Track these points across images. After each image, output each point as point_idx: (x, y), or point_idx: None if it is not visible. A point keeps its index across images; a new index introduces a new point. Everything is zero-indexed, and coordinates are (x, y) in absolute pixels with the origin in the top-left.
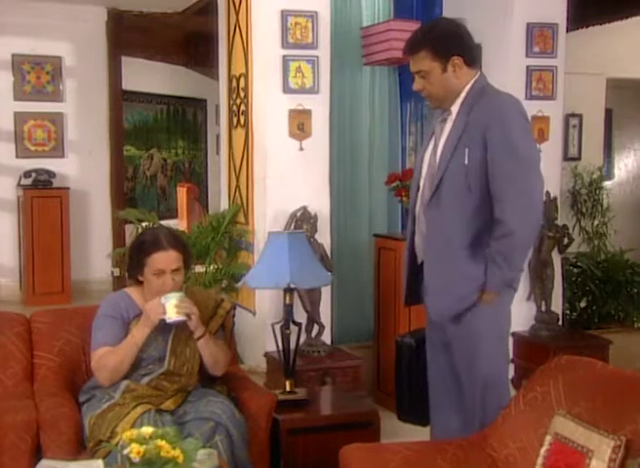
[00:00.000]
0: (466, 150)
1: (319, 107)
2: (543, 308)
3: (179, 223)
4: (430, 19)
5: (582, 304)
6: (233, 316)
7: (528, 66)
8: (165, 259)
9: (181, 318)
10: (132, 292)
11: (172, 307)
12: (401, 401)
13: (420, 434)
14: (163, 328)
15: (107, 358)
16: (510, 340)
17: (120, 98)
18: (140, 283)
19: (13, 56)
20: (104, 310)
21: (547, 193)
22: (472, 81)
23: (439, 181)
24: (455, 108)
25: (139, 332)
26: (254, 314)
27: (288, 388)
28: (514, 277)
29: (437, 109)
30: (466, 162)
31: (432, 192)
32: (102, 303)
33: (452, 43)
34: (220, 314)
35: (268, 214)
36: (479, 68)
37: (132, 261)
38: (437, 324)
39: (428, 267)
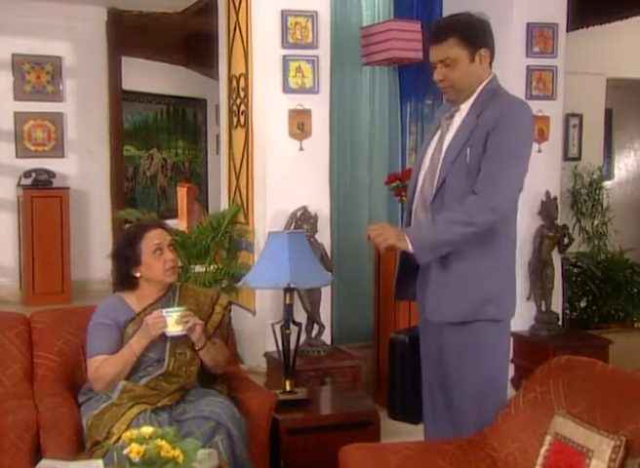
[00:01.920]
0: (468, 150)
1: (319, 107)
2: (543, 308)
3: (179, 223)
4: (431, 19)
5: (582, 304)
6: (229, 311)
7: (528, 66)
8: (159, 235)
9: (182, 333)
10: (125, 295)
11: (173, 322)
12: (394, 398)
13: (420, 434)
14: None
15: (105, 369)
16: (510, 340)
17: (120, 98)
18: (132, 287)
19: (13, 55)
20: (98, 318)
21: (547, 193)
22: (487, 81)
23: (442, 182)
24: (465, 106)
25: (137, 344)
26: (254, 314)
27: (288, 388)
28: (430, 245)
29: (451, 102)
30: (468, 161)
31: (435, 193)
32: (96, 310)
33: (481, 34)
34: (217, 311)
35: (268, 214)
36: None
37: (125, 256)
38: (431, 325)
39: (432, 269)
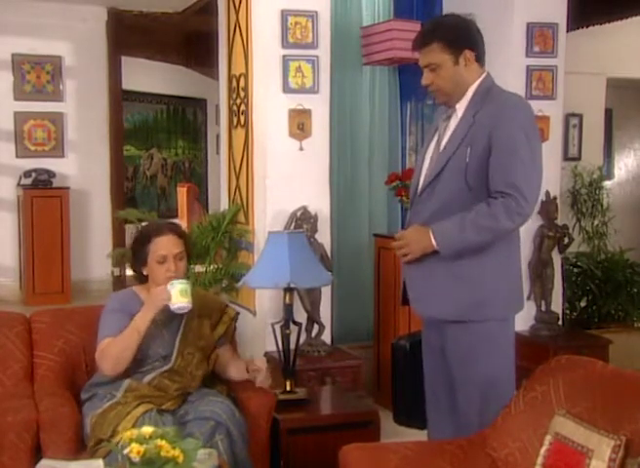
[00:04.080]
0: (468, 149)
1: (319, 107)
2: (543, 308)
3: (179, 223)
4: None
5: (582, 304)
6: (236, 321)
7: (528, 66)
8: (166, 243)
9: (186, 304)
10: (138, 290)
11: (177, 293)
12: (397, 404)
13: (419, 434)
14: (169, 323)
15: (110, 347)
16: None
17: (120, 98)
18: (146, 280)
19: (13, 55)
20: (111, 305)
21: (547, 193)
22: (480, 80)
23: (435, 177)
24: (460, 107)
25: (140, 318)
26: (254, 314)
27: (288, 388)
28: (459, 247)
29: (443, 105)
30: (467, 160)
31: (425, 186)
32: (109, 300)
33: (464, 36)
34: (224, 321)
35: (268, 213)
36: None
37: (135, 253)
38: (434, 325)
39: (416, 265)
